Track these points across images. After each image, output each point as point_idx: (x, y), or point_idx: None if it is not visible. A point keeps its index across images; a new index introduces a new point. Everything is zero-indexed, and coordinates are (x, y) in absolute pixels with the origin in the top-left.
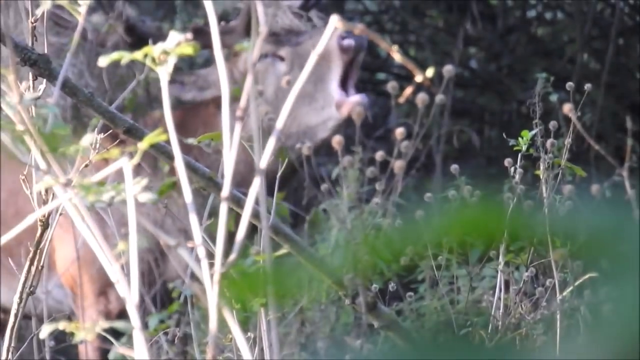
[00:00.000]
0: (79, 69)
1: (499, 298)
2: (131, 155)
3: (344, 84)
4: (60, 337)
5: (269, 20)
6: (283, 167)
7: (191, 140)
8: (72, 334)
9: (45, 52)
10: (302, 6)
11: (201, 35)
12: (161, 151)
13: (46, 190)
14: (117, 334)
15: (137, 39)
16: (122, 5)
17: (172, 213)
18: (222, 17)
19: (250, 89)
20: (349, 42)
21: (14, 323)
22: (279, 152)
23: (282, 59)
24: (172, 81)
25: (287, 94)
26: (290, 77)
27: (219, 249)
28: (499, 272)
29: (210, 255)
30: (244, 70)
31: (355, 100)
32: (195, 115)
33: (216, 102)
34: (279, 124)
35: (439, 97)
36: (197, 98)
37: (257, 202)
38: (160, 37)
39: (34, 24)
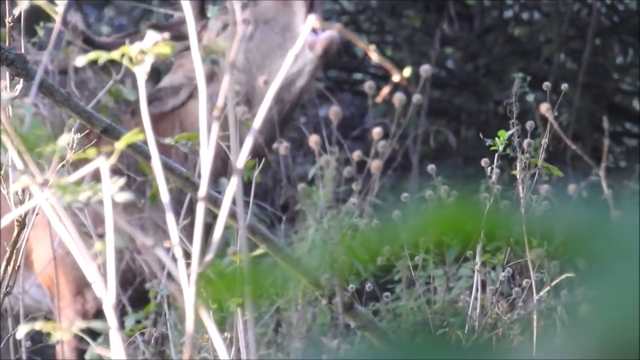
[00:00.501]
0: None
1: (476, 298)
2: (108, 155)
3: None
4: (36, 337)
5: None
6: (259, 168)
7: (168, 140)
8: (48, 334)
9: (22, 51)
10: None
11: (160, 30)
12: (138, 151)
13: (23, 190)
14: (94, 334)
15: (97, 49)
16: (73, 19)
17: (149, 212)
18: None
19: (228, 89)
20: None
21: None
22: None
23: (245, 22)
24: (151, 101)
25: (257, 55)
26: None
27: (195, 249)
28: (476, 272)
29: (187, 255)
30: (207, 43)
31: (327, 36)
32: (170, 116)
33: (191, 95)
34: (256, 123)
35: (416, 97)
36: (176, 103)
37: (233, 202)
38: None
39: (11, 24)
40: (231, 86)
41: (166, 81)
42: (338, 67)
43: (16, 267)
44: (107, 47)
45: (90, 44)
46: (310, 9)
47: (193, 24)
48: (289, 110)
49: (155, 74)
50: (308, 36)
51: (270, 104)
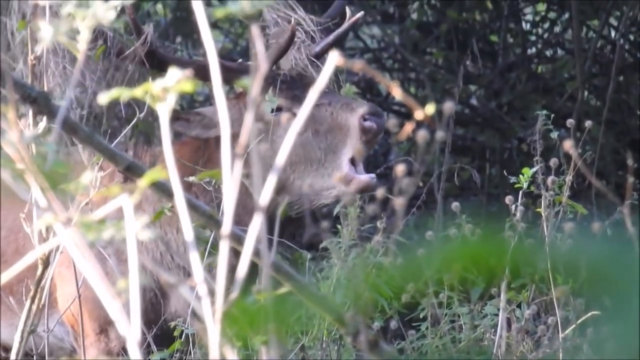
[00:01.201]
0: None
1: (501, 336)
2: (131, 192)
3: (354, 159)
4: None
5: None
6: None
7: (192, 179)
8: None
9: (45, 89)
10: (319, 55)
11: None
12: (161, 189)
13: (46, 228)
14: None
15: (155, 63)
16: (148, 33)
17: (172, 250)
18: (221, 54)
19: (251, 126)
20: (370, 124)
21: None
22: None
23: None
24: (178, 118)
25: (297, 150)
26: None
27: (219, 287)
28: (501, 310)
29: (212, 293)
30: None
31: (365, 180)
32: (196, 150)
33: (219, 141)
34: (280, 160)
35: (440, 135)
36: (201, 136)
37: (258, 240)
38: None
39: (34, 62)
40: (255, 124)
41: (210, 110)
42: None
43: (40, 306)
44: (169, 63)
45: (153, 56)
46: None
47: (216, 62)
48: (299, 215)
49: None
50: (347, 169)
51: (294, 199)
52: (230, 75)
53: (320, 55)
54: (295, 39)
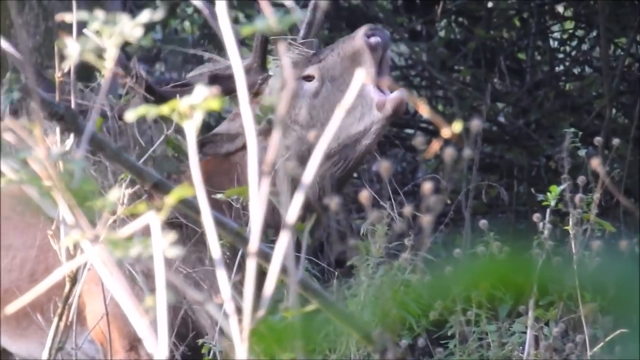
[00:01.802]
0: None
1: (529, 354)
2: (158, 210)
3: (376, 84)
4: None
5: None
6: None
7: (219, 195)
8: None
9: (73, 106)
10: (305, 36)
11: (218, 81)
12: (189, 206)
13: (74, 246)
14: None
15: (158, 98)
16: (137, 67)
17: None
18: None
19: (277, 143)
20: (375, 39)
21: None
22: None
23: (310, 78)
24: (205, 143)
25: (321, 112)
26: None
27: (247, 304)
28: (529, 327)
29: (240, 311)
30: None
31: (396, 96)
32: (227, 161)
33: (243, 150)
34: (307, 178)
35: (467, 152)
36: (231, 149)
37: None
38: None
39: (61, 79)
40: (281, 141)
41: (223, 127)
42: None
43: (68, 323)
44: (168, 96)
45: (152, 92)
46: (379, 68)
47: (243, 79)
48: (352, 167)
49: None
50: (376, 95)
51: (335, 160)
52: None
53: (306, 36)
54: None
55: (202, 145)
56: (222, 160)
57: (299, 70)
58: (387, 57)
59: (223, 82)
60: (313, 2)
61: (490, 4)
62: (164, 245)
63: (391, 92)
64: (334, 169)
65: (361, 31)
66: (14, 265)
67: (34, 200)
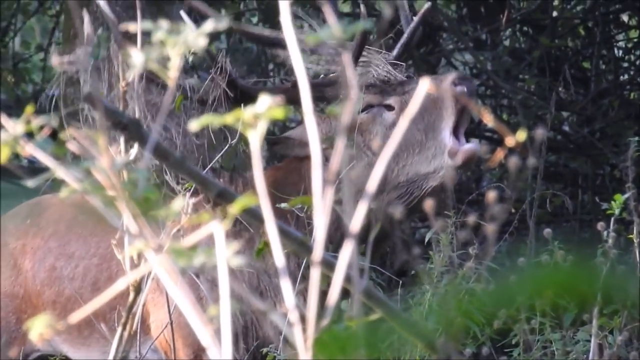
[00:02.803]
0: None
1: None
2: (222, 219)
3: (454, 132)
4: None
5: (365, 76)
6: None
7: (284, 205)
8: None
9: (137, 115)
10: (398, 57)
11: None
12: (253, 215)
13: (138, 255)
14: None
15: (239, 93)
16: (224, 61)
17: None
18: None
19: (341, 152)
20: (462, 88)
21: None
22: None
23: (390, 108)
24: (277, 142)
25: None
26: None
27: (311, 313)
28: (593, 336)
29: (304, 320)
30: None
31: (469, 148)
32: (296, 170)
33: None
34: (371, 187)
35: (531, 161)
36: (300, 154)
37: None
38: (262, 90)
39: (125, 88)
40: (346, 151)
41: (297, 132)
42: None
43: (132, 332)
44: (250, 92)
45: (234, 87)
46: (460, 117)
47: (307, 88)
48: (415, 205)
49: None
50: (450, 142)
51: (400, 193)
52: (316, 90)
53: (399, 57)
54: (368, 55)
55: (273, 143)
56: (291, 171)
57: (380, 97)
58: (469, 107)
59: (315, 89)
60: (412, 26)
61: (555, 13)
62: (227, 255)
63: (467, 141)
64: (398, 201)
65: (449, 78)
66: (77, 273)
67: (96, 209)
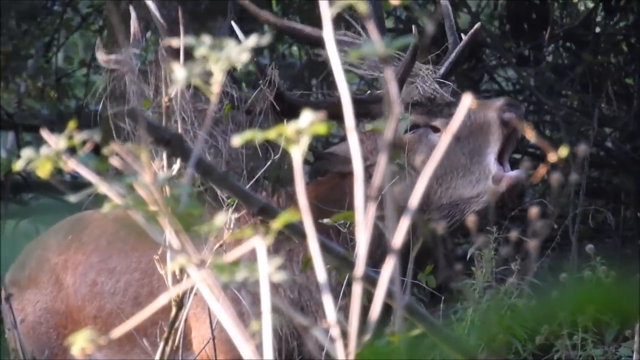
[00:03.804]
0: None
1: None
2: (265, 234)
3: (499, 158)
4: None
5: (411, 92)
6: (419, 246)
7: (326, 221)
8: None
9: (180, 128)
10: (445, 75)
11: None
12: (295, 231)
13: (180, 270)
14: None
15: (286, 106)
16: (272, 74)
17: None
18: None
19: (384, 168)
20: (510, 115)
21: None
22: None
23: (436, 130)
24: (320, 157)
25: (439, 166)
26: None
27: (353, 329)
28: (635, 351)
29: (345, 335)
30: (395, 141)
31: (514, 176)
32: (339, 186)
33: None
34: (413, 202)
35: (574, 177)
36: (343, 170)
37: (391, 281)
38: (309, 104)
39: (168, 103)
40: (388, 166)
41: (342, 148)
42: None
43: (174, 347)
44: (298, 105)
45: (281, 100)
46: (506, 143)
47: (349, 104)
48: (455, 228)
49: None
50: (495, 168)
51: (442, 214)
52: (362, 107)
53: (447, 76)
54: (417, 71)
55: (316, 158)
56: (333, 187)
57: (427, 118)
58: (516, 133)
59: (361, 105)
60: (461, 46)
61: (597, 29)
62: (269, 270)
63: (512, 168)
64: (439, 222)
65: (498, 103)
66: (118, 288)
67: (138, 224)
